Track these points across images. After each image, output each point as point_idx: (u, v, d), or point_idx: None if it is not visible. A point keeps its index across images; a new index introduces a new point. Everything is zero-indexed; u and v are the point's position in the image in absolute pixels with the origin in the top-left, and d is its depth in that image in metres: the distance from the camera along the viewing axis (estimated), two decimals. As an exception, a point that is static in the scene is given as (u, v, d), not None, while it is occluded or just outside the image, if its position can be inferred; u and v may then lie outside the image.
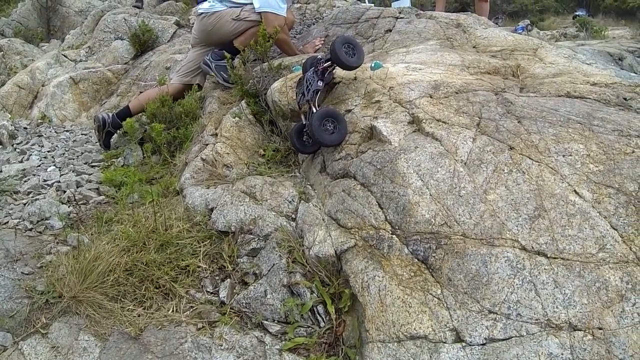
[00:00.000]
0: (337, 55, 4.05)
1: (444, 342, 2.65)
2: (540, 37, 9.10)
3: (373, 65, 4.54)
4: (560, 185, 2.95)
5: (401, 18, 6.64)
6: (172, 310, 3.43)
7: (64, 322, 3.27)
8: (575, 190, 2.91)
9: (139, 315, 3.36)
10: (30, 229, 4.25)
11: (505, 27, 9.80)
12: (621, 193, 2.86)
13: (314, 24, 7.76)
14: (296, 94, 4.52)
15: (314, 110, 4.11)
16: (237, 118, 5.08)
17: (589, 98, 3.93)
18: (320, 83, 4.21)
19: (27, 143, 6.44)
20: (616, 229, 2.72)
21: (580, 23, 15.45)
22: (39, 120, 7.89)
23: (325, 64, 4.26)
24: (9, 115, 8.39)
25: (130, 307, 3.42)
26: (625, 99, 3.93)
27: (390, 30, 6.38)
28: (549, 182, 2.97)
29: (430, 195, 3.13)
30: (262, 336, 3.23)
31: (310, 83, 4.24)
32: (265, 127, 5.06)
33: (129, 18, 10.01)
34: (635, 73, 5.77)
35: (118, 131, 6.24)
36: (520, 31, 9.51)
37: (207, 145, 4.98)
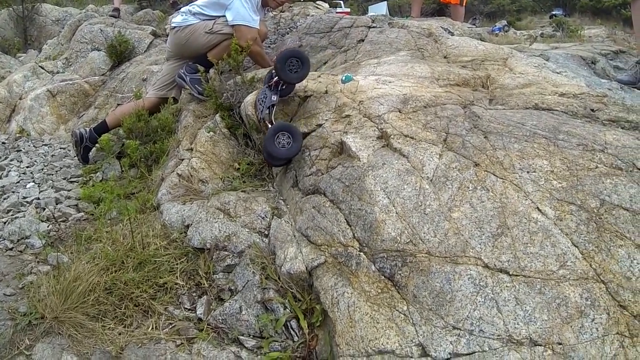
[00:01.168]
0: (278, 71, 4.19)
1: (411, 357, 2.71)
2: (517, 37, 9.16)
3: (344, 78, 4.61)
4: (523, 203, 3.02)
5: (374, 27, 6.71)
6: (152, 328, 3.48)
7: (47, 343, 3.31)
8: (538, 208, 2.98)
9: (119, 334, 3.41)
10: (11, 249, 4.29)
11: (483, 28, 9.85)
12: (583, 210, 2.93)
13: (288, 34, 7.80)
14: (255, 108, 4.61)
15: (269, 125, 4.21)
16: (211, 132, 5.12)
17: (557, 110, 4.01)
18: (274, 97, 4.31)
19: (6, 158, 6.46)
20: (577, 246, 2.79)
21: (556, 23, 15.54)
22: (18, 135, 7.89)
23: (275, 78, 4.35)
24: (-13, 131, 8.41)
25: (111, 325, 3.46)
26: (592, 110, 4.01)
27: (363, 40, 6.44)
28: (513, 200, 3.05)
29: (397, 213, 3.20)
30: (238, 351, 3.28)
31: (264, 99, 4.33)
32: (240, 141, 5.09)
33: (105, 28, 9.97)
34: (608, 77, 5.86)
35: (96, 145, 6.26)
36: (497, 32, 9.58)
37: (182, 160, 5.03)
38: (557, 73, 4.98)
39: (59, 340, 3.34)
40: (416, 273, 2.93)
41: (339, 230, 3.36)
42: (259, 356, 3.26)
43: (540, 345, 2.54)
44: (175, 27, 6.14)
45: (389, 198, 3.29)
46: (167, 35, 7.36)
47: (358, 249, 3.21)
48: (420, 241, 3.03)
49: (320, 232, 3.45)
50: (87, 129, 6.24)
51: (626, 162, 3.17)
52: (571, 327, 2.56)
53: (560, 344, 2.53)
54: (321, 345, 3.20)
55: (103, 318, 3.50)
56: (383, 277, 3.03)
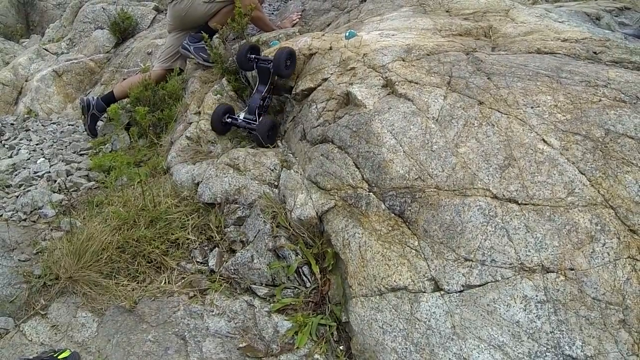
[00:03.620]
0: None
1: (424, 292, 2.74)
2: (522, 2, 9.10)
3: (347, 34, 4.62)
4: (528, 135, 3.01)
5: (375, -12, 6.69)
6: (165, 282, 3.54)
7: (62, 302, 3.38)
8: (543, 139, 2.97)
9: (133, 290, 3.47)
10: (24, 219, 4.34)
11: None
12: (588, 139, 2.92)
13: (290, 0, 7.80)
14: None
15: None
16: (218, 95, 5.15)
17: (559, 53, 4.00)
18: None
19: (15, 138, 6.48)
20: (584, 174, 2.79)
21: (561, -15, 15.35)
22: (26, 115, 7.90)
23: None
24: (-6, 113, 8.44)
25: (124, 282, 3.53)
26: (595, 52, 4.00)
27: (365, 0, 6.44)
28: (518, 133, 3.04)
29: (404, 152, 3.21)
30: (251, 300, 3.33)
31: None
32: (246, 102, 5.11)
33: (107, 7, 10.00)
34: (612, 31, 5.83)
35: (104, 115, 6.33)
36: (499, -4, 9.52)
37: (191, 123, 5.05)
38: (560, 22, 4.96)
39: (74, 299, 3.42)
40: (426, 208, 2.95)
41: (347, 174, 3.38)
42: (272, 303, 3.31)
43: (553, 272, 2.55)
44: (172, 0, 6.11)
45: (396, 139, 3.30)
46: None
47: (367, 190, 3.23)
48: (428, 176, 3.04)
49: (330, 177, 3.47)
50: (95, 97, 6.28)
51: (629, 96, 3.15)
52: (582, 252, 2.56)
53: (572, 269, 2.53)
54: (333, 290, 3.24)
55: (116, 275, 3.58)
56: (393, 214, 3.05)
